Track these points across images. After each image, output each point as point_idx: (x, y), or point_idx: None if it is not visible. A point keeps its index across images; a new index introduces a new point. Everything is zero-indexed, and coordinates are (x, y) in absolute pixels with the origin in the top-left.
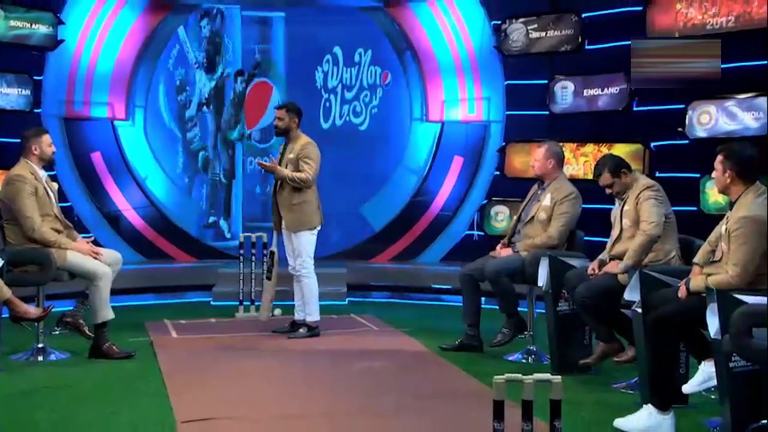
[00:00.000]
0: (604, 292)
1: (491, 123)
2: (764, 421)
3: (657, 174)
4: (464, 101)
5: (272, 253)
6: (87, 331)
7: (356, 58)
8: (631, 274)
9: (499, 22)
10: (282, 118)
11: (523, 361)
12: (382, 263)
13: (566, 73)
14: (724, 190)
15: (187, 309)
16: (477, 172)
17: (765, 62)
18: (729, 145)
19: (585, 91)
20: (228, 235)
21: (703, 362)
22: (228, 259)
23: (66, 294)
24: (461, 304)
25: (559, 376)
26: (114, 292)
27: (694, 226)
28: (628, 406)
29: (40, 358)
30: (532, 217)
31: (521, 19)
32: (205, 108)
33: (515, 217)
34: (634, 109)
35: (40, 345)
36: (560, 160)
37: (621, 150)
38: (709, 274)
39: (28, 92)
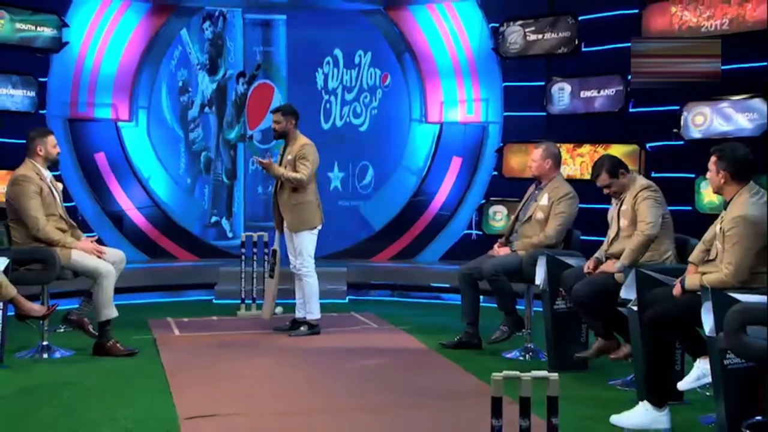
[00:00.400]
0: (601, 290)
1: (489, 124)
2: (758, 418)
3: (652, 174)
4: (463, 102)
5: (274, 252)
6: (91, 329)
7: (356, 60)
8: (627, 272)
9: (497, 25)
10: (279, 122)
11: (521, 358)
12: (382, 262)
13: (563, 74)
14: (718, 190)
15: (190, 307)
16: (475, 173)
17: (759, 64)
18: (723, 146)
19: (582, 92)
20: (230, 235)
21: (698, 359)
22: (230, 258)
23: (70, 292)
24: (460, 303)
25: (557, 374)
26: (117, 290)
27: (689, 225)
28: (624, 403)
29: (45, 356)
30: (530, 217)
31: (519, 22)
32: (207, 109)
33: (513, 217)
34: (630, 110)
35: (44, 342)
36: (557, 161)
37: (617, 151)
38: (704, 273)
39: (33, 94)
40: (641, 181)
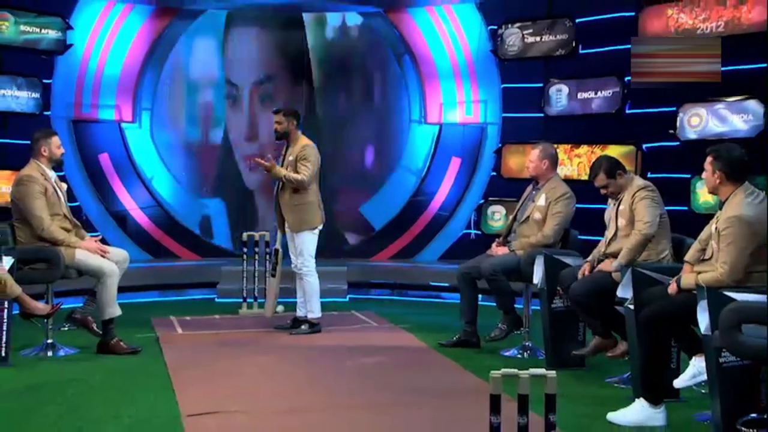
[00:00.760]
0: (598, 289)
1: (488, 125)
2: (753, 415)
3: (649, 175)
4: (462, 104)
5: (276, 251)
6: (95, 328)
7: None
8: (624, 271)
9: (496, 28)
10: (280, 122)
11: (519, 356)
12: (381, 261)
13: (561, 76)
14: (713, 191)
15: (192, 306)
16: (474, 173)
17: (754, 66)
18: (719, 147)
19: (579, 94)
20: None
21: (693, 357)
22: (232, 257)
23: (74, 291)
24: (459, 302)
25: (554, 371)
26: (121, 289)
27: (685, 225)
28: (621, 400)
29: (50, 354)
30: (528, 217)
31: (517, 25)
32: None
33: (511, 217)
34: (627, 111)
35: (49, 341)
36: (554, 161)
37: (614, 151)
38: (699, 272)
39: (37, 95)
40: (638, 181)
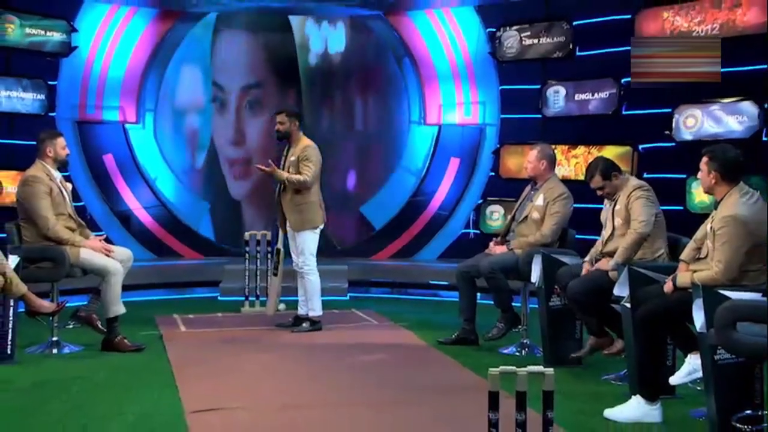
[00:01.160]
0: (595, 287)
1: (486, 126)
2: (748, 411)
3: (645, 175)
4: (461, 105)
5: (278, 250)
6: (99, 326)
7: None
8: (620, 270)
9: (494, 30)
10: (282, 123)
11: (517, 354)
12: (381, 260)
13: (558, 78)
14: (709, 191)
15: (195, 304)
16: (473, 173)
17: (749, 68)
18: (714, 148)
19: (576, 95)
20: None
21: (689, 355)
22: (234, 256)
23: (79, 290)
24: (458, 300)
25: (552, 369)
26: (125, 287)
27: (681, 224)
28: (617, 397)
29: (55, 351)
30: (526, 217)
31: (515, 27)
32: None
33: (509, 217)
34: (623, 112)
35: (54, 338)
36: (552, 162)
37: (610, 152)
38: (695, 271)
39: (42, 97)
40: (633, 181)
